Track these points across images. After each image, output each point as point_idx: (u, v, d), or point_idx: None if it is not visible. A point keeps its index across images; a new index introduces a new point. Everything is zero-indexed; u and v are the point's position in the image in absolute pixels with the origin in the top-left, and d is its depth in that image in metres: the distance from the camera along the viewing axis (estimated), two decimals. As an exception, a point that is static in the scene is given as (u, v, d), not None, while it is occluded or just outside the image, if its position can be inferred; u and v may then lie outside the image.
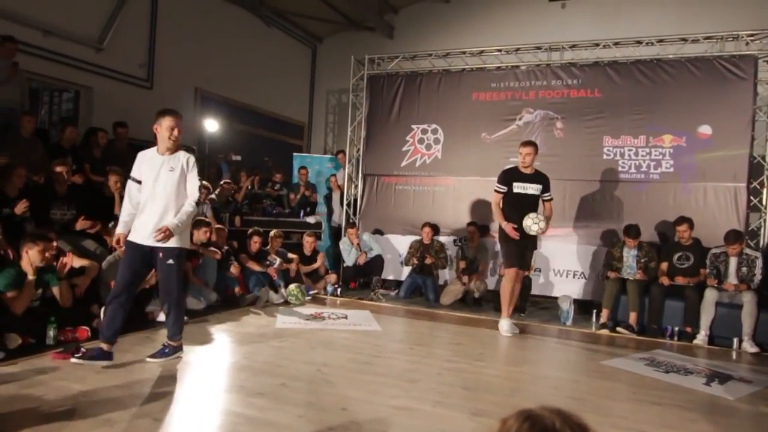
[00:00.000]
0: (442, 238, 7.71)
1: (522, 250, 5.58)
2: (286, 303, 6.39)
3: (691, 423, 3.36)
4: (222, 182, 7.65)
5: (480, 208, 7.69)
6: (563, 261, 7.15)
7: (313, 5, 10.08)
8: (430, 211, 7.94)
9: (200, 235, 5.80)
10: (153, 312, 5.13)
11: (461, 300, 7.23)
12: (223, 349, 4.61)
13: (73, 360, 3.71)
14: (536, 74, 7.51)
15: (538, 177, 5.64)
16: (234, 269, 6.16)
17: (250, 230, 6.71)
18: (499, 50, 7.90)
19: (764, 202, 6.65)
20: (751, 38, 6.76)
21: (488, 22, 9.86)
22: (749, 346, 5.40)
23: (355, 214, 8.49)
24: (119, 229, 3.95)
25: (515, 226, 5.44)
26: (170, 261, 3.86)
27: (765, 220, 6.63)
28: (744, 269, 5.73)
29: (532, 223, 5.42)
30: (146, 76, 7.99)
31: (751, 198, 6.66)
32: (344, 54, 8.95)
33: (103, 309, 4.11)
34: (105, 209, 5.77)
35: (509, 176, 5.63)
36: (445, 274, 7.63)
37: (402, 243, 7.91)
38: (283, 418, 3.03)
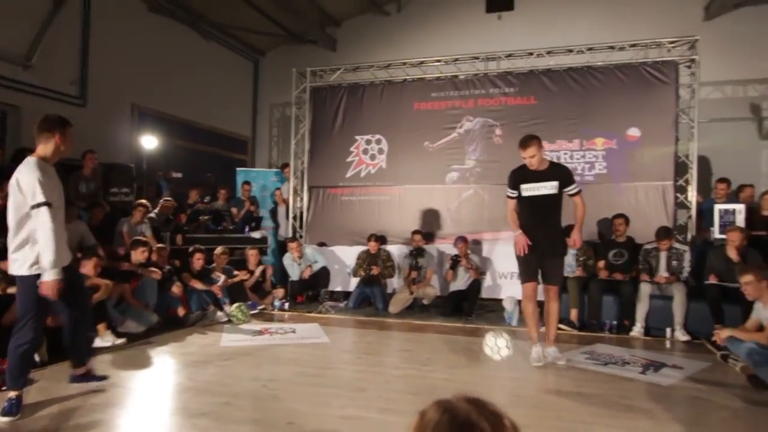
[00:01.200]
0: (390, 247, 7.75)
1: (537, 259, 4.56)
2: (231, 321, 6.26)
3: (627, 411, 3.50)
4: (162, 200, 7.45)
5: (425, 215, 7.81)
6: (508, 264, 7.28)
7: (254, 19, 10.03)
8: (377, 221, 7.99)
9: (138, 255, 5.62)
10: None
11: (410, 307, 7.28)
12: (165, 372, 4.46)
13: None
14: (475, 83, 7.72)
15: (551, 172, 4.54)
16: (176, 289, 5.98)
17: (192, 248, 6.55)
18: (438, 61, 8.06)
19: (690, 199, 7.03)
20: (672, 45, 7.18)
21: (428, 34, 10.08)
22: (681, 335, 5.68)
23: (301, 227, 8.43)
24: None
25: (528, 242, 4.51)
26: None
27: (691, 216, 7.00)
28: (674, 263, 6.03)
29: (491, 351, 4.36)
30: (79, 93, 7.72)
31: (678, 195, 7.03)
32: (287, 67, 8.93)
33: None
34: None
35: (516, 177, 4.62)
36: (393, 283, 7.67)
37: (350, 254, 7.90)
38: (226, 436, 2.96)
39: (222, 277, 6.55)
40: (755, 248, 5.86)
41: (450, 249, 7.40)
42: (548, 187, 4.51)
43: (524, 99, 7.48)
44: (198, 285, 6.31)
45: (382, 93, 8.11)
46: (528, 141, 4.50)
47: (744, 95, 9.11)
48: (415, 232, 7.36)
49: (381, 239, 7.70)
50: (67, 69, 7.58)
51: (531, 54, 7.68)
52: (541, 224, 4.55)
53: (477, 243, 7.42)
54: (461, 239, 7.10)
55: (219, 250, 6.81)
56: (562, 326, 6.07)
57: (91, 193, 6.93)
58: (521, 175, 4.60)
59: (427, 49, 9.00)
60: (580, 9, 9.52)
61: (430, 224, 7.73)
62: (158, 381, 4.18)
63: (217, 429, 3.07)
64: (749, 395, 3.85)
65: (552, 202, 4.55)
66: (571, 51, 7.51)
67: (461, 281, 7.06)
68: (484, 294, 7.32)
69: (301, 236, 8.23)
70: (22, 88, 6.96)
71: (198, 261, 6.43)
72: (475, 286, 6.96)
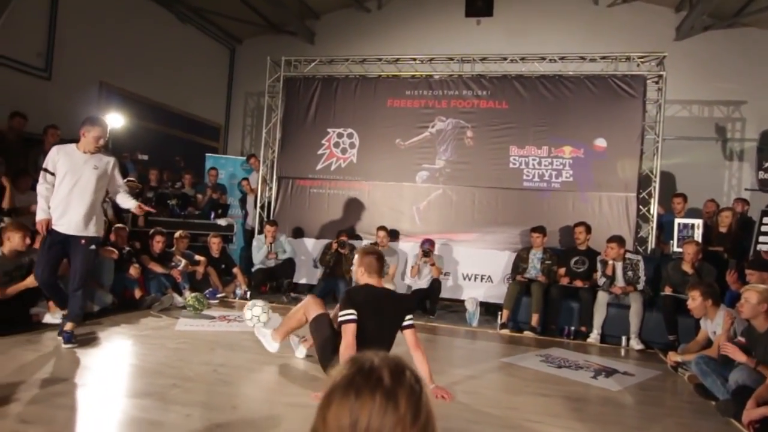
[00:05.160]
0: (360, 243, 7.74)
1: None
2: (190, 307, 6.14)
3: (574, 412, 3.55)
4: (126, 180, 7.27)
5: (392, 212, 7.81)
6: (471, 265, 7.37)
7: (233, 5, 9.90)
8: (345, 215, 7.95)
9: (95, 232, 5.47)
10: (38, 314, 4.77)
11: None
12: (113, 351, 4.35)
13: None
14: (448, 84, 7.75)
15: None
16: (133, 271, 5.85)
17: (152, 230, 6.41)
18: (414, 59, 8.08)
19: (652, 212, 7.19)
20: (642, 60, 7.34)
21: (406, 33, 10.12)
22: (636, 344, 5.78)
23: (268, 217, 8.34)
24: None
25: None
26: (92, 246, 4.31)
27: (652, 228, 7.17)
28: (630, 273, 6.15)
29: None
30: (44, 66, 7.48)
31: (641, 207, 7.18)
32: (263, 56, 8.79)
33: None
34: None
35: None
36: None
37: (315, 246, 7.86)
38: (169, 417, 2.90)
39: (183, 262, 6.43)
40: (711, 263, 6.03)
41: (414, 248, 7.39)
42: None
43: (496, 103, 7.54)
44: (157, 268, 6.18)
45: (356, 87, 8.07)
46: None
47: (710, 115, 9.40)
48: (380, 228, 7.31)
49: (348, 234, 7.67)
50: (33, 39, 7.34)
51: (505, 59, 7.76)
52: None
53: (444, 244, 7.44)
54: (429, 241, 7.07)
55: (178, 233, 6.69)
56: (526, 332, 6.15)
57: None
58: None
59: (404, 48, 9.04)
60: (555, 19, 9.70)
61: (397, 222, 7.73)
62: (106, 360, 4.08)
63: (160, 409, 3.00)
64: (694, 403, 3.95)
65: None
66: (544, 59, 7.61)
67: (424, 279, 7.08)
68: (447, 294, 7.36)
69: (275, 221, 8.09)
70: (-16, 55, 6.72)
71: (158, 244, 6.30)
72: (436, 285, 6.97)
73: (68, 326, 4.22)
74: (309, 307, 4.00)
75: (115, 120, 8.00)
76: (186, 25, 10.09)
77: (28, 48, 7.26)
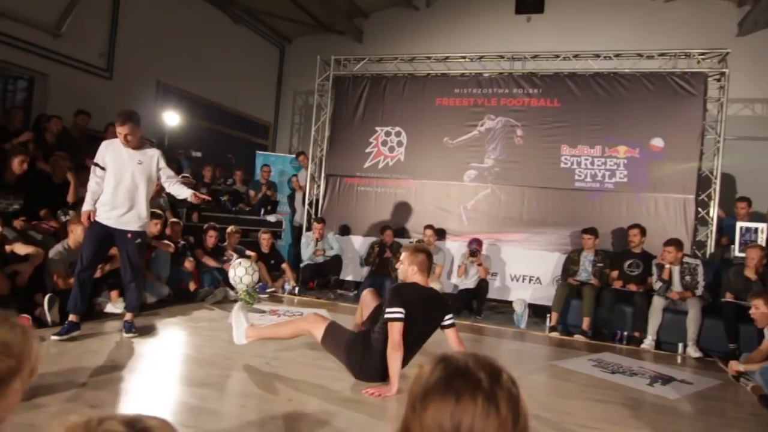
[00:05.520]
0: (407, 241, 7.73)
1: None
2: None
3: (631, 419, 3.45)
4: (180, 176, 7.50)
5: (439, 211, 7.77)
6: (519, 266, 7.26)
7: (283, 5, 10.06)
8: (392, 213, 7.97)
9: (151, 227, 5.64)
10: (100, 304, 4.98)
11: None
12: (170, 341, 4.50)
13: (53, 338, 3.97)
14: (498, 82, 7.65)
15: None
16: (188, 264, 6.03)
17: (206, 225, 6.60)
18: (464, 57, 8.02)
19: (711, 214, 6.90)
20: (702, 57, 7.05)
21: (455, 31, 10.03)
22: (693, 351, 5.56)
23: (316, 214, 8.45)
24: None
25: None
26: (138, 240, 4.35)
27: (711, 231, 6.87)
28: (687, 277, 5.91)
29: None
30: (106, 66, 7.80)
31: (699, 210, 6.90)
32: (313, 55, 8.92)
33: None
34: (53, 198, 5.59)
35: None
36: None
37: (362, 244, 7.91)
38: (225, 407, 2.98)
39: (234, 256, 6.59)
40: (776, 269, 5.73)
41: (461, 248, 7.34)
42: None
43: (547, 101, 7.40)
44: (210, 262, 6.36)
45: (404, 86, 8.07)
46: None
47: (774, 115, 8.93)
48: (427, 227, 7.28)
49: (395, 231, 7.69)
50: (96, 41, 7.66)
51: (557, 57, 7.60)
52: None
53: (491, 244, 7.35)
54: (477, 241, 7.01)
55: (230, 228, 6.85)
56: (577, 336, 6.01)
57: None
58: None
59: (453, 47, 8.96)
60: (609, 15, 9.40)
61: (444, 221, 7.69)
62: (164, 350, 4.22)
63: (216, 399, 3.09)
64: (759, 415, 3.77)
65: None
66: (598, 56, 7.42)
67: (471, 279, 7.02)
68: (494, 295, 7.27)
69: (322, 219, 8.20)
70: (51, 56, 7.04)
71: (211, 238, 6.48)
72: (484, 286, 6.90)
73: (128, 316, 4.39)
74: (314, 323, 3.78)
75: (171, 118, 8.27)
76: (239, 25, 10.32)
77: (91, 49, 7.58)
